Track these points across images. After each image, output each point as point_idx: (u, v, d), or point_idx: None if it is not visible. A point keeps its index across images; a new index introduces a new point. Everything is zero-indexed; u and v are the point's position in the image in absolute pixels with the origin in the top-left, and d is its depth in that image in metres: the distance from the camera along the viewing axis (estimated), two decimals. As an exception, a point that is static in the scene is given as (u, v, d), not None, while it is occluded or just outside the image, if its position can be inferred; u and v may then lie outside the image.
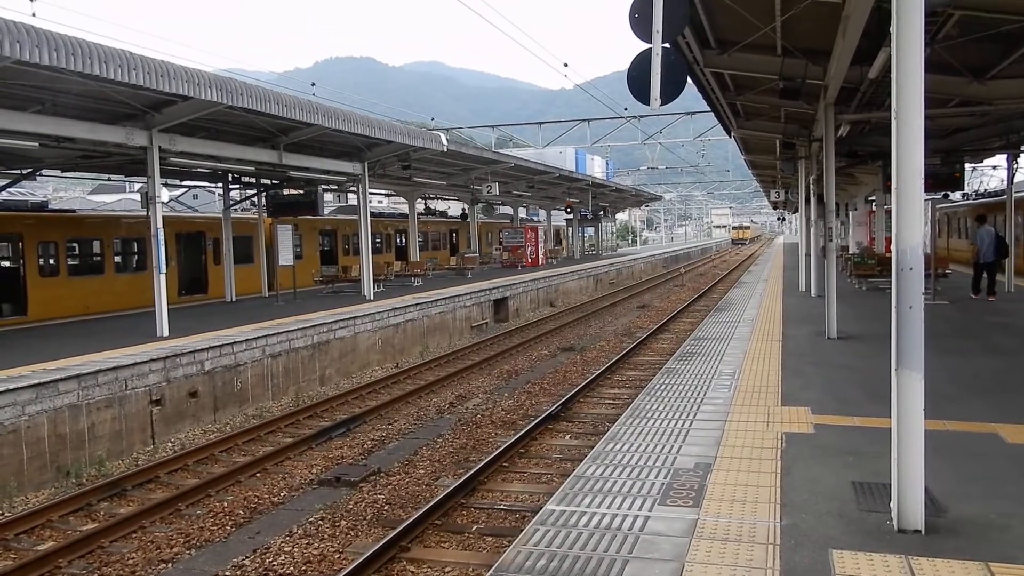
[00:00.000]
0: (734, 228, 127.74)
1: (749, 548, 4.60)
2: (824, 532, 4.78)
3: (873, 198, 29.58)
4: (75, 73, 10.58)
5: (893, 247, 4.71)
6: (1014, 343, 11.94)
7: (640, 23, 6.18)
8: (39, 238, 18.98)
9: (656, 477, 5.98)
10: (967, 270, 21.20)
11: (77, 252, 20.46)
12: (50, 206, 24.92)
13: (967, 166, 23.41)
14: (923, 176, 4.62)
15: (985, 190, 36.76)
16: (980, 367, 10.07)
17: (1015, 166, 19.90)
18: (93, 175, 24.00)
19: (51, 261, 19.40)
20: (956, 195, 29.81)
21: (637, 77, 6.31)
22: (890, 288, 4.78)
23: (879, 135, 17.67)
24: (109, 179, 25.47)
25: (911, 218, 4.63)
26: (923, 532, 4.67)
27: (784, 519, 5.02)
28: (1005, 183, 21.31)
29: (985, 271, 18.17)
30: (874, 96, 13.46)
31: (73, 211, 23.39)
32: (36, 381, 9.88)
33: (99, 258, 20.80)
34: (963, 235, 29.77)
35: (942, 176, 18.16)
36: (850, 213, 35.54)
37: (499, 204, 46.71)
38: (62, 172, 20.95)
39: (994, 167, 40.36)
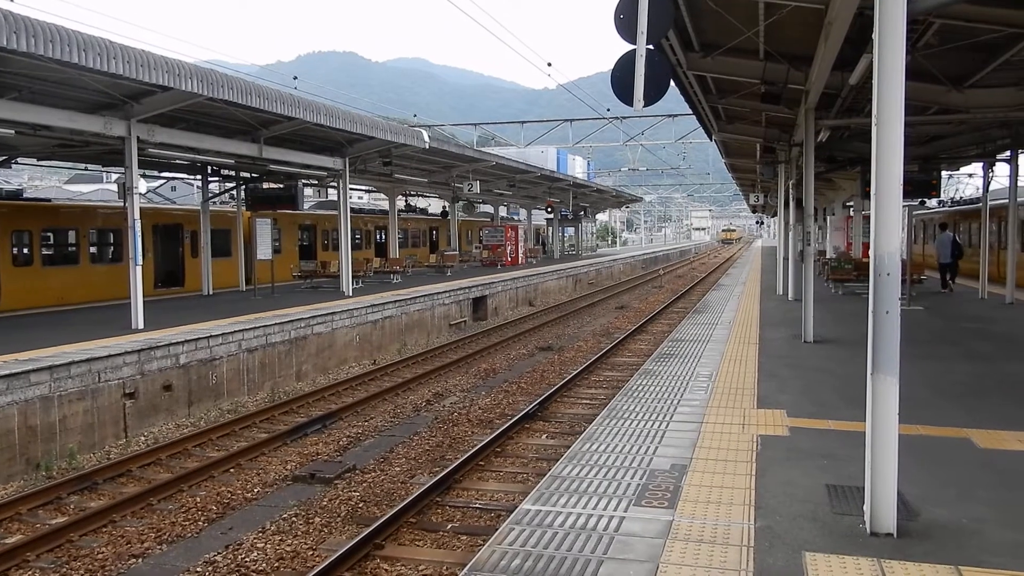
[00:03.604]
0: (723, 230, 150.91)
1: (723, 550, 4.61)
2: (797, 534, 4.81)
3: (851, 203, 29.88)
4: (53, 61, 10.43)
5: (871, 252, 4.74)
6: (986, 349, 12.08)
7: (625, 24, 6.19)
8: (13, 227, 18.71)
9: (632, 478, 5.99)
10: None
11: (52, 242, 20.20)
12: (25, 195, 24.59)
13: (943, 173, 23.75)
14: (902, 182, 4.66)
15: (960, 197, 37.19)
16: (953, 372, 10.18)
17: (991, 174, 20.14)
18: (70, 164, 23.70)
19: (25, 251, 19.15)
20: (932, 202, 30.20)
21: (621, 78, 6.33)
22: (866, 293, 4.81)
23: (858, 141, 17.83)
24: (86, 169, 25.22)
25: (889, 224, 4.67)
26: (895, 535, 4.71)
27: (758, 521, 5.04)
28: (980, 191, 21.60)
29: (946, 269, 22.04)
30: (854, 102, 13.57)
31: (48, 200, 23.08)
32: (7, 372, 9.73)
33: (74, 248, 20.56)
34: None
35: (919, 183, 18.39)
36: (828, 218, 35.85)
37: (480, 202, 46.65)
38: (38, 160, 20.70)
39: (970, 175, 40.90)
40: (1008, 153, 17.75)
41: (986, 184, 20.12)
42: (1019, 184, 18.32)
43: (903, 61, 4.58)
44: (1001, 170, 19.98)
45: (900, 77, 4.58)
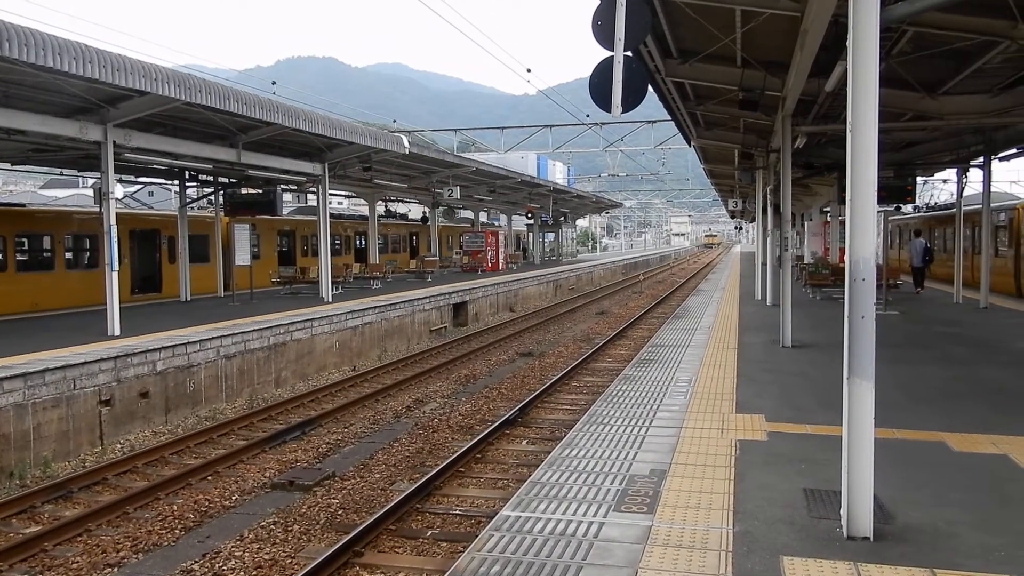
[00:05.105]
0: (706, 235, 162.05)
1: (702, 555, 4.63)
2: (775, 539, 4.83)
3: (828, 209, 30.12)
4: (28, 64, 10.32)
5: (846, 258, 4.79)
6: (961, 353, 12.21)
7: (602, 31, 6.21)
8: (-14, 232, 18.48)
9: (611, 483, 6.00)
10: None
11: (26, 247, 19.96)
12: (-1, 200, 24.30)
13: (919, 179, 24.09)
14: (876, 188, 4.71)
15: (935, 203, 37.61)
16: (928, 376, 10.29)
17: (964, 180, 20.39)
18: (45, 169, 23.44)
19: (-1, 256, 18.92)
20: (907, 207, 30.62)
21: (599, 84, 6.35)
22: (843, 298, 4.85)
23: (835, 147, 18.01)
24: (61, 174, 24.95)
25: (864, 229, 4.72)
26: (872, 539, 4.75)
27: (737, 526, 5.06)
28: (954, 196, 21.87)
29: (917, 272, 23.81)
30: (831, 109, 13.71)
31: (23, 205, 22.82)
32: (-20, 380, 9.60)
33: (49, 254, 20.32)
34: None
35: (895, 188, 18.62)
36: (805, 223, 36.17)
37: (460, 208, 46.63)
38: (12, 165, 20.47)
39: (944, 181, 41.39)
40: (981, 159, 17.98)
41: (960, 190, 20.37)
42: (992, 190, 18.57)
43: (877, 68, 4.64)
44: (975, 176, 20.25)
45: (874, 84, 4.64)
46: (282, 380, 15.41)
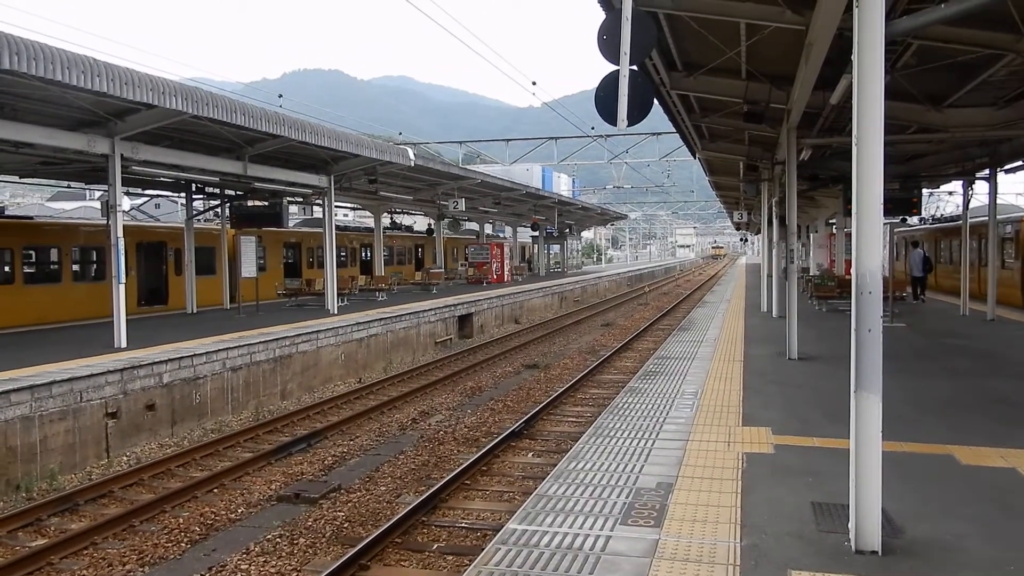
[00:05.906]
0: (713, 247, 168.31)
1: (709, 568, 4.61)
2: (783, 553, 4.81)
3: (834, 221, 30.11)
4: (36, 78, 10.39)
5: (853, 270, 4.79)
6: (968, 365, 12.17)
7: (608, 45, 6.25)
8: (-6, 245, 18.56)
9: (618, 496, 5.98)
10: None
11: (34, 260, 20.05)
12: (6, 212, 24.39)
13: (924, 191, 24.07)
14: (882, 201, 4.71)
15: (941, 215, 37.55)
16: (935, 389, 10.25)
17: (970, 192, 20.38)
18: (52, 182, 23.55)
19: (6, 268, 18.99)
20: (913, 219, 30.56)
21: (604, 98, 6.37)
22: (849, 309, 4.85)
23: (840, 159, 18.01)
24: (69, 186, 25.04)
25: (870, 242, 4.72)
26: (880, 553, 4.73)
27: (744, 539, 5.05)
28: (960, 208, 21.85)
29: (917, 282, 24.73)
30: (836, 121, 13.72)
31: (31, 218, 22.94)
32: (-13, 392, 9.62)
33: (56, 266, 20.41)
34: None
35: (900, 201, 18.58)
36: (811, 235, 36.10)
37: (465, 220, 46.69)
38: (20, 178, 20.57)
39: (950, 193, 41.31)
40: (987, 171, 17.96)
41: (966, 202, 20.34)
42: (998, 202, 18.54)
43: (882, 81, 4.65)
44: (981, 188, 20.23)
45: (879, 97, 4.65)
46: (288, 392, 15.42)
